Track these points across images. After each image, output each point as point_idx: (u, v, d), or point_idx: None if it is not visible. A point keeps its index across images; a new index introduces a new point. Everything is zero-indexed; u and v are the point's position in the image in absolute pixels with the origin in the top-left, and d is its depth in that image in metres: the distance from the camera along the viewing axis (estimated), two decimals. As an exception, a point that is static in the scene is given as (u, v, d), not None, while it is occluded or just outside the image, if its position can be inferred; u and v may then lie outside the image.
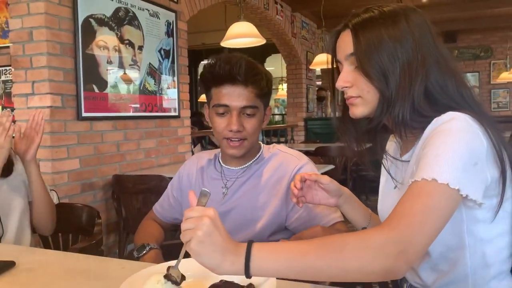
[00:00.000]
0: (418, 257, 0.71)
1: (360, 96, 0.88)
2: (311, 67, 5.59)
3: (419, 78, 0.82)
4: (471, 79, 8.59)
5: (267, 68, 5.68)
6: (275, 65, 10.79)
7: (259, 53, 9.02)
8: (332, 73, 0.96)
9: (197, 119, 5.59)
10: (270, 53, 9.58)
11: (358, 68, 0.86)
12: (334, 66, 0.95)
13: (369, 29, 0.85)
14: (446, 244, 0.83)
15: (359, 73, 0.86)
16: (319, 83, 8.58)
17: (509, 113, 8.19)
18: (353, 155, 0.98)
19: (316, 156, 4.39)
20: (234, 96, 1.19)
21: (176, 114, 3.73)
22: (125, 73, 3.13)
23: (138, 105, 3.27)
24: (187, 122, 3.94)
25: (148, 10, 3.35)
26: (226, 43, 3.41)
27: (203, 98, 9.49)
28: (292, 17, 6.29)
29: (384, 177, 1.01)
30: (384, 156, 0.98)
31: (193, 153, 4.30)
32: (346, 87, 0.89)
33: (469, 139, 0.76)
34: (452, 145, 0.75)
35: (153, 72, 3.42)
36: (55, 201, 1.68)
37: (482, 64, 8.47)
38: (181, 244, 1.41)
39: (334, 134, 6.10)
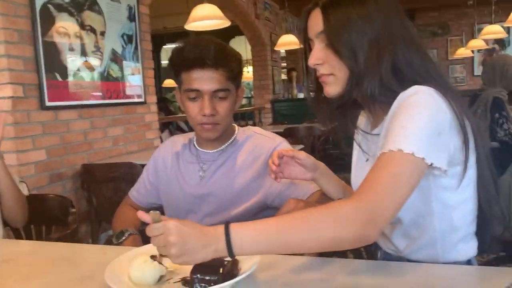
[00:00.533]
0: (387, 222, 0.77)
1: (332, 73, 0.91)
2: (276, 48, 5.60)
3: (387, 54, 0.86)
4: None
5: None
6: (239, 48, 10.71)
7: (223, 36, 8.90)
8: (304, 52, 0.98)
9: (163, 105, 5.53)
10: (233, 35, 9.50)
11: (328, 45, 0.89)
12: (307, 45, 0.97)
13: (338, 7, 0.88)
14: (415, 211, 0.88)
15: (329, 50, 0.89)
16: (284, 64, 8.61)
17: (466, 88, 8.51)
18: (327, 133, 1.02)
19: (285, 137, 4.45)
20: (205, 80, 1.19)
21: (142, 100, 3.68)
22: (88, 60, 3.05)
23: (103, 93, 3.20)
24: (154, 108, 3.89)
25: (108, -6, 3.26)
26: (190, 26, 3.36)
27: (167, 83, 9.38)
28: (255, -2, 6.26)
29: (356, 152, 1.05)
30: (356, 131, 1.02)
31: (161, 139, 4.27)
32: (318, 64, 0.92)
33: (433, 111, 0.81)
34: (417, 117, 0.80)
35: (117, 58, 3.35)
36: (25, 192, 1.65)
37: (439, 41, 8.74)
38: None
39: (301, 115, 6.21)
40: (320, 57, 0.91)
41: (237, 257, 0.82)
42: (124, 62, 3.44)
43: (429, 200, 0.87)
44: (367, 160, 0.99)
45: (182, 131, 4.99)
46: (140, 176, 1.47)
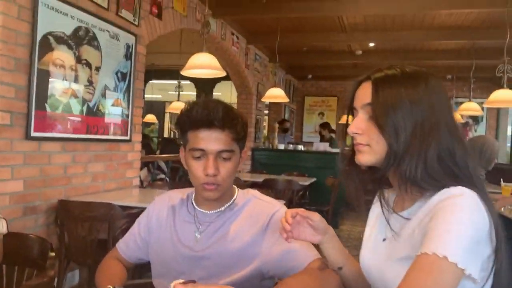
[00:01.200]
0: None
1: (369, 144, 0.93)
2: (263, 99, 5.71)
3: (432, 140, 0.87)
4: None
5: (214, 94, 5.83)
6: (224, 92, 10.87)
7: (209, 79, 9.09)
8: (347, 118, 1.00)
9: (145, 143, 5.47)
10: (220, 79, 9.67)
11: (372, 118, 0.91)
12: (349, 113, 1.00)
13: (390, 85, 0.91)
14: None
15: (372, 123, 0.91)
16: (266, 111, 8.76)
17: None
18: (350, 197, 1.02)
19: (263, 188, 4.45)
20: (211, 140, 1.20)
21: (128, 138, 3.65)
22: (79, 94, 3.02)
23: (89, 127, 3.16)
24: (138, 146, 3.85)
25: (109, 32, 3.29)
26: (186, 72, 3.41)
27: (148, 118, 9.34)
28: (247, 49, 6.43)
29: (369, 228, 1.05)
30: (383, 207, 1.00)
31: (140, 178, 4.20)
32: (357, 133, 0.94)
33: (476, 218, 0.81)
34: (462, 223, 0.80)
35: (108, 94, 3.34)
36: (4, 230, 1.57)
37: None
38: (145, 284, 1.38)
39: (280, 166, 6.26)
40: (361, 127, 0.93)
41: None
42: (115, 98, 3.42)
43: None
44: (384, 239, 0.98)
45: (162, 171, 4.93)
46: (131, 228, 1.43)
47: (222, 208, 1.29)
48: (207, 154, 1.20)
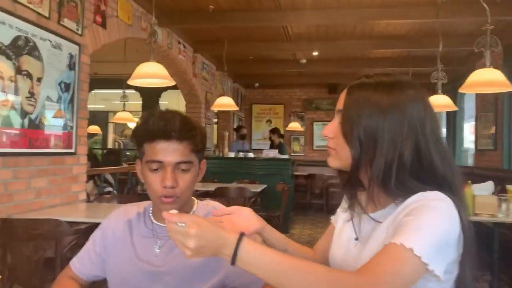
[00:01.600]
0: None
1: (336, 149, 0.95)
2: (212, 108, 5.72)
3: (404, 149, 0.88)
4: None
5: (161, 103, 5.77)
6: (171, 101, 10.72)
7: (155, 88, 8.94)
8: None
9: (90, 154, 5.29)
10: (166, 88, 9.53)
11: (340, 124, 0.94)
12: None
13: (361, 93, 0.91)
14: None
15: (341, 129, 0.94)
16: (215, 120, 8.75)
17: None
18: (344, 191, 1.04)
19: (215, 196, 4.44)
20: (168, 151, 1.17)
21: (72, 150, 3.51)
22: (20, 106, 2.88)
23: (31, 141, 3.01)
24: (83, 159, 3.72)
25: (51, 41, 3.16)
26: (134, 81, 3.35)
27: (91, 129, 9.01)
28: (194, 58, 6.41)
29: (340, 225, 1.08)
30: (356, 208, 1.02)
31: (86, 192, 4.05)
32: (328, 136, 0.97)
33: (450, 223, 0.85)
34: (436, 225, 0.83)
35: (51, 106, 3.20)
36: None
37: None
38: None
39: (231, 174, 6.26)
40: (332, 131, 0.96)
41: None
42: (58, 110, 3.29)
43: None
44: (356, 239, 1.00)
45: (109, 183, 4.78)
46: (85, 245, 1.38)
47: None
48: (165, 166, 1.17)
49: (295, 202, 7.74)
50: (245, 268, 0.82)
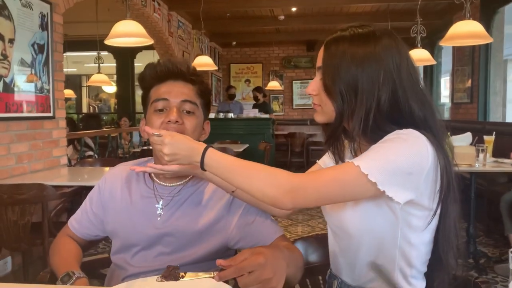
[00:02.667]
0: (301, 203, 0.90)
1: (320, 105, 0.99)
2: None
3: (381, 98, 0.91)
4: (329, 84, 9.54)
5: (136, 64, 5.66)
6: (144, 62, 10.45)
7: (128, 48, 8.68)
8: None
9: (68, 119, 5.16)
10: (141, 49, 9.28)
11: (321, 81, 0.96)
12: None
13: (338, 47, 0.94)
14: (382, 243, 0.96)
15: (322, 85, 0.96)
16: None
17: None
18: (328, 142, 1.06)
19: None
20: (175, 91, 1.17)
21: (51, 114, 3.42)
22: (-7, 69, 2.76)
23: (8, 105, 2.92)
24: (63, 123, 3.63)
25: (20, 0, 3.00)
26: (111, 41, 3.24)
27: (66, 93, 8.76)
28: (169, 16, 6.21)
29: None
30: (341, 156, 1.06)
31: (68, 156, 3.99)
32: (312, 94, 1.00)
33: (413, 152, 0.88)
34: (394, 151, 0.87)
35: (26, 69, 3.09)
36: None
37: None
38: (101, 260, 1.35)
39: (212, 135, 6.19)
40: (315, 89, 0.99)
41: None
42: (33, 73, 3.17)
43: (395, 234, 0.95)
44: None
45: (89, 147, 4.71)
46: (82, 205, 1.36)
47: (184, 181, 1.23)
48: (170, 105, 1.16)
49: (276, 161, 7.81)
50: (211, 171, 0.96)
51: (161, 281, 0.86)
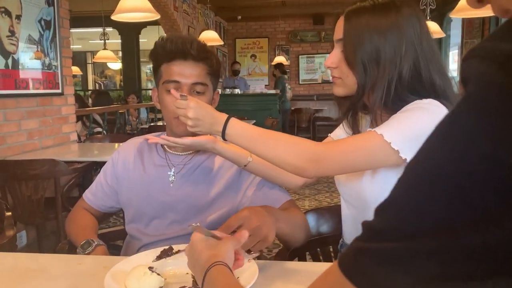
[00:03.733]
0: (325, 172, 0.93)
1: (341, 78, 0.99)
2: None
3: (403, 69, 0.92)
4: (336, 59, 9.44)
5: (141, 40, 5.58)
6: (150, 38, 10.39)
7: (133, 24, 8.61)
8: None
9: (77, 96, 5.19)
10: (145, 24, 9.20)
11: (343, 53, 0.96)
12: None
13: (359, 18, 0.94)
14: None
15: (343, 57, 0.96)
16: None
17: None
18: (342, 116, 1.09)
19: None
20: (185, 72, 1.19)
21: (60, 91, 3.44)
22: (2, 45, 2.77)
23: (17, 82, 2.93)
24: (71, 99, 3.65)
25: (26, -25, 2.98)
26: (117, 16, 3.21)
27: (74, 70, 8.75)
28: (174, -10, 6.13)
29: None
30: (358, 127, 1.08)
31: (77, 133, 4.03)
32: (331, 67, 1.00)
33: (435, 121, 0.89)
34: (416, 119, 0.88)
35: (33, 45, 3.09)
36: None
37: (345, 46, 9.34)
38: (117, 232, 1.39)
39: (219, 111, 6.20)
40: (335, 61, 0.99)
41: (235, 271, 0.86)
42: (41, 49, 3.17)
43: None
44: None
45: (98, 124, 4.74)
46: (96, 178, 1.40)
47: (196, 151, 1.26)
48: (181, 86, 1.18)
49: (283, 136, 7.82)
50: (232, 141, 0.98)
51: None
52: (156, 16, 3.32)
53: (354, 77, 0.96)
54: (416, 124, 0.88)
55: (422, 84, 0.94)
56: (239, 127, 0.96)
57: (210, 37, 5.19)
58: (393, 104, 0.94)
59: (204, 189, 1.22)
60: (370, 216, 1.00)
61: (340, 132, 1.16)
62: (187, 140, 1.09)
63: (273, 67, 8.22)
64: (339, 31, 0.97)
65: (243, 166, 1.14)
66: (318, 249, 1.29)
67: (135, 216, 1.29)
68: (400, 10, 0.94)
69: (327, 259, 1.29)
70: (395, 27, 0.93)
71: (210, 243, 0.79)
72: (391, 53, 0.92)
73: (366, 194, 1.00)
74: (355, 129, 1.07)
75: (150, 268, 0.85)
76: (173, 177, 1.25)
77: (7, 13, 2.81)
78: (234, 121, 0.96)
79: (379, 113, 0.99)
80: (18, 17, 2.92)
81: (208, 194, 1.22)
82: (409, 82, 0.93)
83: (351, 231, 1.11)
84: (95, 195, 1.38)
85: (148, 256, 0.95)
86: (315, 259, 1.29)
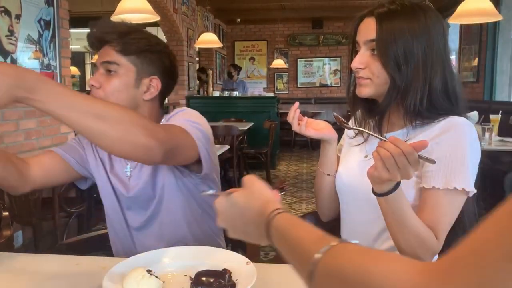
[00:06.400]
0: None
1: (370, 78, 0.99)
2: (196, 45, 5.58)
3: (434, 72, 0.95)
4: (334, 63, 9.49)
5: None
6: (149, 39, 10.38)
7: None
8: (351, 53, 1.05)
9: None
10: (144, 26, 9.20)
11: (375, 53, 0.97)
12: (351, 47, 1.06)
13: (392, 20, 0.96)
14: None
15: (374, 58, 0.97)
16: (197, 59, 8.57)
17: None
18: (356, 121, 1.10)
19: (203, 135, 4.45)
20: (100, 56, 1.17)
21: (58, 91, 3.43)
22: (1, 45, 2.76)
23: (16, 81, 2.92)
24: (70, 100, 3.65)
25: (26, -26, 2.98)
26: (117, 17, 3.21)
27: (73, 70, 8.74)
28: (174, -8, 6.14)
29: (345, 150, 1.16)
30: (371, 129, 1.08)
31: (75, 133, 4.02)
32: (360, 68, 1.00)
33: (479, 146, 0.96)
34: (473, 155, 0.94)
35: (32, 45, 3.09)
36: None
37: (343, 50, 9.38)
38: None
39: (216, 113, 6.25)
40: (363, 62, 0.99)
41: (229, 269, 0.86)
42: (40, 49, 3.17)
43: None
44: (366, 156, 1.08)
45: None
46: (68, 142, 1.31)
47: None
48: (98, 68, 1.18)
49: (280, 139, 7.84)
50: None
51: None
52: (155, 18, 3.33)
53: (385, 77, 0.97)
54: (475, 159, 0.94)
55: (447, 94, 0.97)
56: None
57: (209, 39, 5.20)
58: (427, 111, 0.97)
59: (151, 183, 1.19)
60: (370, 217, 0.96)
61: (344, 149, 1.19)
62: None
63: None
64: (367, 32, 0.99)
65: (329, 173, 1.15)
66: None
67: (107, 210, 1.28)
68: (427, 13, 0.98)
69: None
70: (426, 31, 0.96)
71: (247, 195, 0.69)
72: (423, 56, 0.95)
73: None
74: (379, 132, 1.05)
75: (149, 270, 0.85)
76: (129, 172, 1.22)
77: (7, 12, 2.81)
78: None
79: (395, 115, 1.01)
80: (18, 16, 2.92)
81: (156, 187, 1.19)
82: (440, 89, 0.97)
83: (349, 234, 1.11)
84: (66, 146, 1.27)
85: (146, 257, 0.95)
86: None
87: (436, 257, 1.01)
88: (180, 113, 1.15)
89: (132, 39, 1.16)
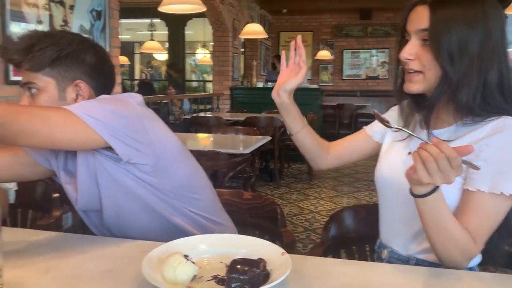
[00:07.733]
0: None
1: (422, 71, 0.93)
2: (240, 36, 5.60)
3: (490, 66, 0.89)
4: (382, 55, 9.23)
5: (186, 32, 5.56)
6: (195, 29, 10.56)
7: (180, 16, 8.77)
8: (399, 43, 0.99)
9: (122, 87, 5.35)
10: (191, 16, 9.35)
11: (427, 44, 0.91)
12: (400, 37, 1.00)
13: (446, 9, 0.89)
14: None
15: (426, 48, 0.91)
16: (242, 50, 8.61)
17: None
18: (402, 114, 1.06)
19: (246, 126, 4.47)
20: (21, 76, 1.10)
21: (108, 80, 3.55)
22: (55, 35, 2.89)
23: (69, 70, 3.06)
24: (118, 89, 3.77)
25: (80, -34, 3.09)
26: (164, 8, 3.29)
27: (121, 60, 9.04)
28: (221, -17, 6.18)
29: (387, 146, 1.12)
30: (417, 125, 1.04)
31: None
32: (409, 59, 0.94)
33: None
34: None
35: (85, 35, 3.19)
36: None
37: (392, 41, 9.11)
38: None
39: (260, 105, 6.26)
40: (413, 52, 0.93)
41: (264, 258, 0.86)
42: (91, 39, 3.29)
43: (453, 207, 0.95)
44: (409, 153, 1.03)
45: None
46: None
47: None
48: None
49: (323, 132, 7.75)
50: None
51: None
52: (202, 8, 3.36)
53: (437, 70, 0.91)
54: None
55: (502, 91, 0.91)
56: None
57: (254, 30, 5.20)
58: (480, 108, 0.91)
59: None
60: (410, 215, 0.92)
61: (378, 128, 1.15)
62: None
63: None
64: (419, 21, 0.92)
65: (293, 133, 1.15)
66: (354, 247, 1.27)
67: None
68: (485, 4, 0.90)
69: (362, 258, 1.27)
70: (483, 21, 0.89)
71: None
72: (479, 48, 0.89)
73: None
74: (428, 127, 0.99)
75: (186, 256, 0.87)
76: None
77: (62, 3, 2.93)
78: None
79: (444, 110, 0.96)
80: (72, 7, 3.04)
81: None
82: (495, 85, 0.90)
83: (388, 231, 1.09)
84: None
85: (184, 243, 0.97)
86: (350, 257, 1.27)
87: (473, 261, 0.97)
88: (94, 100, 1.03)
89: (37, 51, 1.04)
